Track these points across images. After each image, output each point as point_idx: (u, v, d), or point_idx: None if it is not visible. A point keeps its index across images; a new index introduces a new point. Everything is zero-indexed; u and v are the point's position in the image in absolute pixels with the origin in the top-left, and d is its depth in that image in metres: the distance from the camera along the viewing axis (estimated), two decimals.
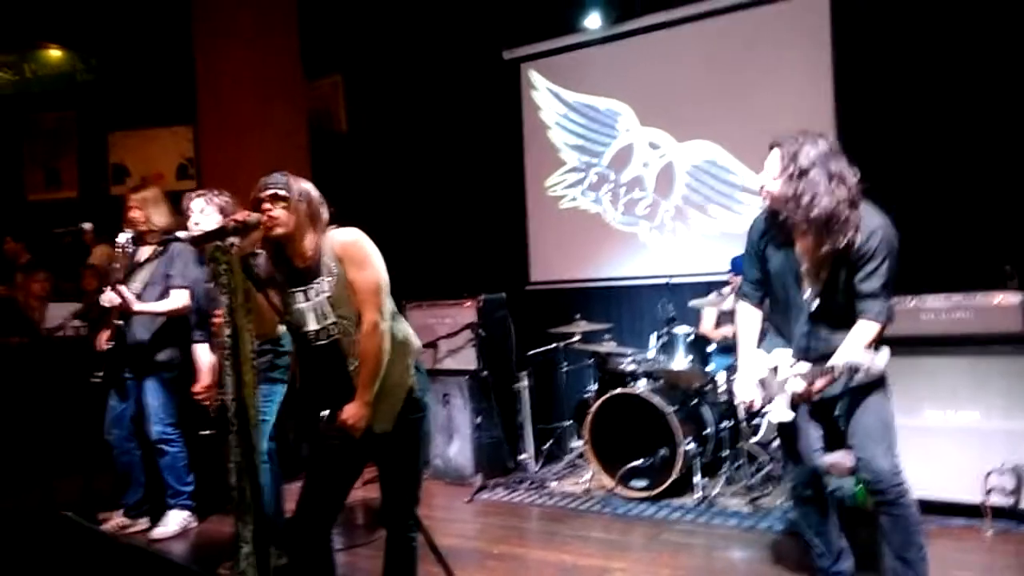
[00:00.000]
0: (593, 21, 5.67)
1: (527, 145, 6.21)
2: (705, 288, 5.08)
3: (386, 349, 2.39)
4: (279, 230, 2.35)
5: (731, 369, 4.49)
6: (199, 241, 2.25)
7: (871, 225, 2.38)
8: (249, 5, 5.71)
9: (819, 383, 2.45)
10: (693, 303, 4.76)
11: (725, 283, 4.90)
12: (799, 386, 2.48)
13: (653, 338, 4.63)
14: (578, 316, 5.01)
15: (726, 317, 4.66)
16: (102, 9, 6.15)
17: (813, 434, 2.65)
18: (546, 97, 6.12)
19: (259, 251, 2.41)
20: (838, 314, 2.48)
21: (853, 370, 2.33)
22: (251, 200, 2.38)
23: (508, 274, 6.01)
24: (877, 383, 2.50)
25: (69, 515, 2.27)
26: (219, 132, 5.86)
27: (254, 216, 2.30)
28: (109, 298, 3.77)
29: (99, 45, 6.78)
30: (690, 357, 4.47)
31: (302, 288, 2.44)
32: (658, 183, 5.66)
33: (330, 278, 2.41)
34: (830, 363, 2.40)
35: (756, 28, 5.22)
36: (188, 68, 5.92)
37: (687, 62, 5.48)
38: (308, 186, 2.45)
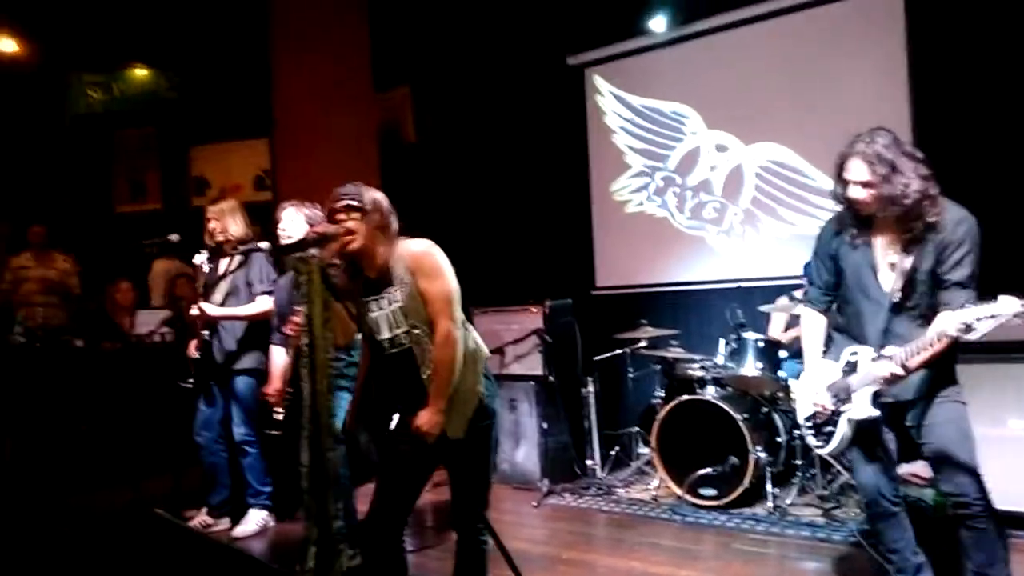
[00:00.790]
0: (658, 24, 5.64)
1: (592, 150, 6.22)
2: (776, 292, 4.98)
3: (459, 358, 2.44)
4: (354, 244, 2.41)
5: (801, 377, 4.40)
6: (282, 252, 2.36)
7: (956, 215, 2.38)
8: (323, 22, 5.90)
9: (916, 360, 2.32)
10: (764, 308, 4.68)
11: (797, 287, 4.80)
12: (889, 368, 2.34)
13: (722, 344, 4.56)
14: (644, 321, 4.99)
15: (796, 321, 4.56)
16: (185, 30, 6.45)
17: (887, 444, 2.58)
18: (611, 102, 6.12)
19: (337, 262, 2.49)
20: (918, 308, 2.44)
21: (967, 328, 2.18)
22: (326, 211, 2.47)
23: (574, 279, 6.02)
24: (952, 391, 2.44)
25: (160, 512, 2.39)
26: (293, 144, 6.07)
27: (332, 228, 2.38)
28: (192, 313, 3.95)
29: (181, 63, 7.11)
30: (761, 364, 4.38)
31: (375, 297, 2.50)
32: (726, 186, 5.58)
33: (402, 288, 2.45)
34: (938, 329, 2.28)
35: (826, 26, 5.10)
36: (264, 83, 6.16)
37: (754, 63, 5.40)
38: (379, 196, 2.51)
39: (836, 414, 2.56)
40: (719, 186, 5.61)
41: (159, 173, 7.83)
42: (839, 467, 4.17)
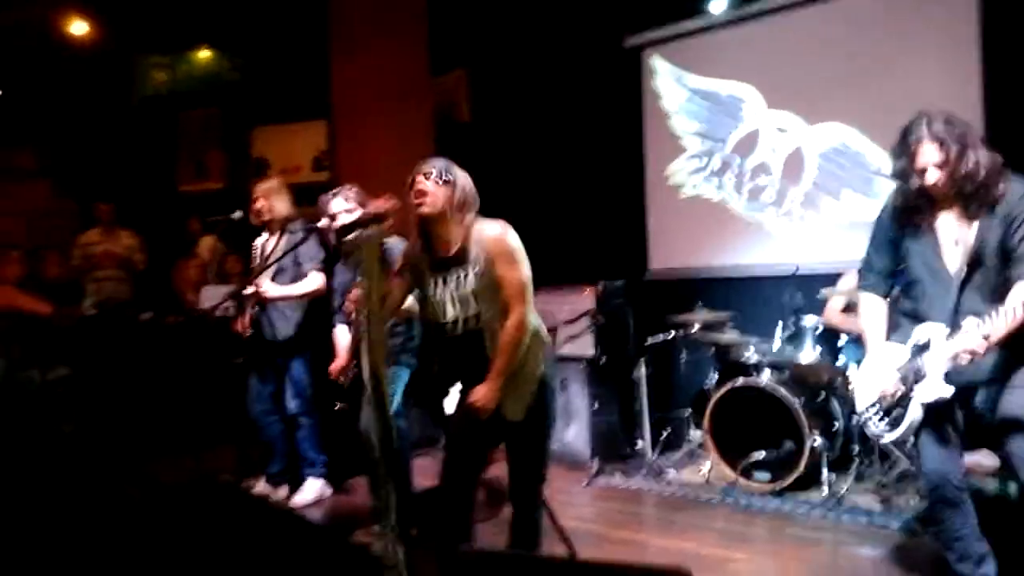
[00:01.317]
0: (717, 5, 5.54)
1: (647, 132, 6.15)
2: (837, 278, 4.88)
3: (526, 343, 2.50)
4: (426, 208, 2.44)
5: (862, 361, 4.30)
6: (341, 234, 2.43)
7: (1019, 187, 2.35)
8: (381, 6, 5.97)
9: (998, 331, 2.21)
10: (826, 291, 4.58)
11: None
12: (973, 341, 2.24)
13: (779, 329, 4.49)
14: (699, 304, 4.94)
15: (853, 305, 4.46)
16: (247, 13, 6.58)
17: (954, 430, 2.52)
18: (668, 83, 6.04)
19: (398, 238, 2.54)
20: (988, 284, 2.39)
21: None
22: (408, 180, 2.51)
23: (628, 262, 5.99)
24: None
25: (227, 478, 2.49)
26: (351, 126, 6.17)
27: (387, 204, 2.43)
28: (247, 292, 4.06)
29: (244, 46, 7.26)
30: (819, 349, 4.31)
31: (443, 275, 2.52)
32: (786, 168, 5.47)
33: (476, 270, 2.48)
34: (1010, 301, 2.20)
35: (892, 5, 4.94)
36: (323, 66, 6.26)
37: (817, 42, 5.26)
38: (463, 175, 2.56)
39: (906, 397, 2.49)
40: (779, 168, 5.50)
41: (222, 153, 8.03)
42: (899, 453, 4.09)
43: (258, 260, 4.17)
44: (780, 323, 4.52)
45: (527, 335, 2.50)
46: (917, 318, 2.55)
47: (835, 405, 4.28)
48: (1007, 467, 3.48)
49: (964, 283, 2.41)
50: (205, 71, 7.58)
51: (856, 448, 4.14)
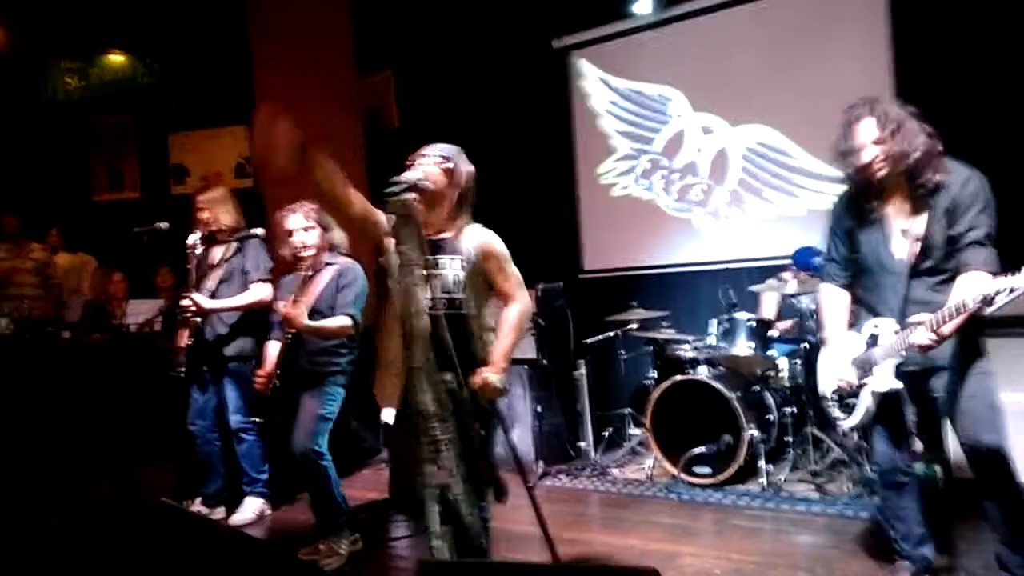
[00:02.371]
0: (642, 6, 5.64)
1: (577, 134, 6.22)
2: (762, 273, 5.04)
3: (527, 328, 2.58)
4: (423, 181, 2.37)
5: (792, 355, 4.47)
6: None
7: (963, 174, 2.42)
8: (304, 6, 5.82)
9: (948, 327, 2.27)
10: (754, 288, 4.74)
11: (783, 267, 4.86)
12: (922, 337, 2.31)
13: (713, 324, 4.61)
14: (634, 303, 5.03)
15: (788, 301, 4.63)
16: (163, 15, 6.32)
17: (907, 416, 2.62)
18: (595, 85, 6.12)
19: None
20: (936, 272, 2.46)
21: (987, 300, 2.17)
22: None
23: (562, 263, 6.03)
24: (979, 363, 2.46)
25: (167, 501, 2.38)
26: None
27: (414, 174, 2.38)
28: (184, 304, 3.91)
29: (159, 50, 6.98)
30: (752, 343, 4.45)
31: (434, 257, 2.53)
32: (712, 168, 5.62)
33: (466, 263, 2.56)
34: (958, 300, 2.24)
35: (810, 7, 5.14)
36: (245, 68, 6.07)
37: (738, 44, 5.42)
38: (466, 167, 2.63)
39: (859, 387, 2.59)
40: (705, 168, 5.65)
41: (137, 161, 7.70)
42: (831, 443, 4.26)
43: (194, 271, 4.01)
44: (714, 320, 4.64)
45: (527, 322, 2.61)
46: (870, 309, 2.63)
47: (768, 397, 4.42)
48: (933, 450, 3.68)
49: (912, 274, 2.48)
50: (119, 76, 7.24)
51: (790, 438, 4.30)
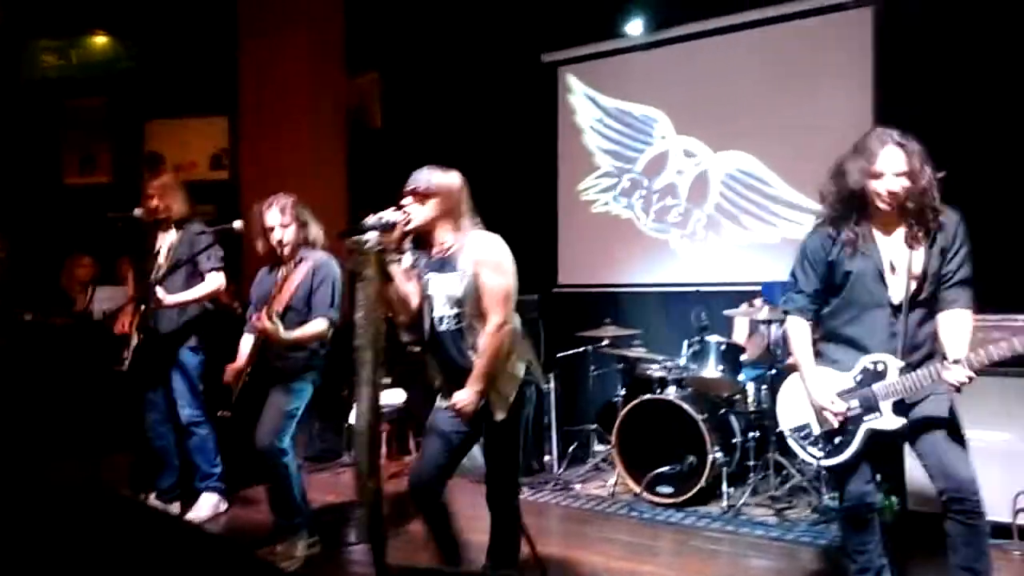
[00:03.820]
0: (634, 27, 5.70)
1: (561, 148, 6.25)
2: (735, 298, 5.09)
3: (506, 349, 2.59)
4: (410, 224, 2.55)
5: (760, 380, 4.51)
6: (342, 236, 2.40)
7: (954, 216, 2.44)
8: (295, 1, 5.79)
9: (985, 360, 2.27)
10: (728, 312, 4.77)
11: (755, 294, 4.92)
12: (960, 375, 2.27)
13: (684, 345, 4.64)
14: (607, 320, 5.04)
15: (758, 326, 4.67)
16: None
17: (876, 454, 2.59)
18: (582, 101, 6.16)
19: (403, 247, 2.56)
20: (925, 306, 2.46)
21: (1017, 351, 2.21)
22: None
23: (537, 276, 6.02)
24: (950, 404, 2.46)
25: (122, 492, 2.32)
26: (258, 124, 5.95)
27: (397, 215, 2.49)
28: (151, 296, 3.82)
29: (142, 34, 6.87)
30: (721, 367, 4.48)
31: (437, 273, 2.64)
32: (691, 191, 5.68)
33: (464, 277, 2.59)
34: (1005, 344, 2.25)
35: (797, 41, 5.24)
36: (228, 59, 6.01)
37: (726, 72, 5.50)
38: (449, 182, 2.66)
39: (852, 424, 2.50)
40: (685, 191, 5.71)
41: (110, 146, 7.55)
42: (791, 469, 4.30)
43: (154, 260, 3.94)
44: (685, 341, 4.66)
45: (506, 343, 2.59)
46: (853, 344, 2.55)
47: (734, 420, 4.46)
48: (892, 481, 3.72)
49: (907, 305, 2.43)
50: (99, 57, 7.11)
51: (752, 462, 4.33)
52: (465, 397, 2.57)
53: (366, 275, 2.19)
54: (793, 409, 2.71)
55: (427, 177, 2.62)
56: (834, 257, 2.52)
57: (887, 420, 2.46)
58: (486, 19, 6.20)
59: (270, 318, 3.21)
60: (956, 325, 2.40)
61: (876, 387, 2.47)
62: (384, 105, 6.98)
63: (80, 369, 4.38)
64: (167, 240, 4.02)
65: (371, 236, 2.28)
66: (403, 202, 2.58)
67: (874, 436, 2.50)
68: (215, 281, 3.95)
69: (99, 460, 3.78)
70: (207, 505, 4.08)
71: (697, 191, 5.65)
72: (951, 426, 2.45)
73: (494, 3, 6.13)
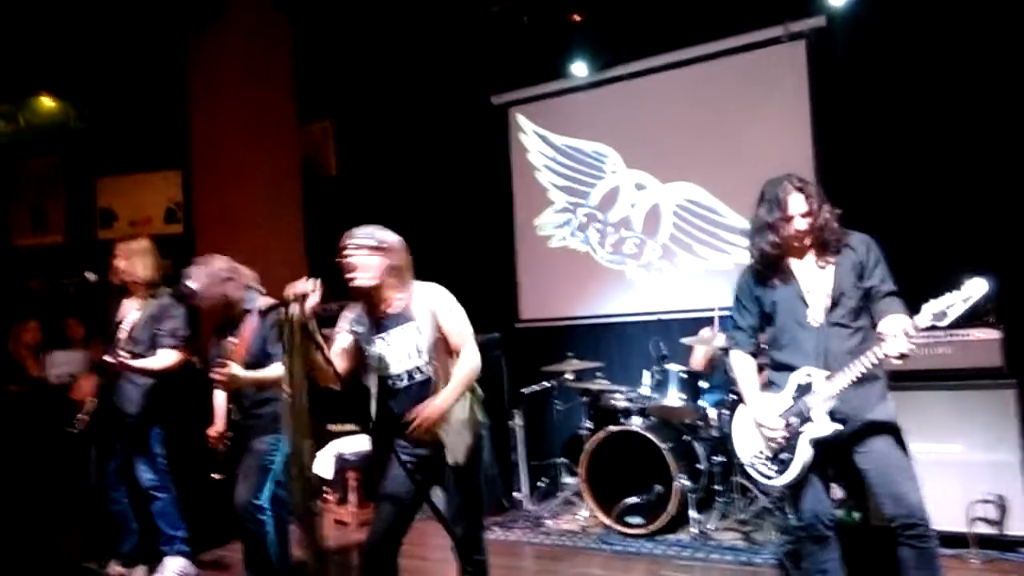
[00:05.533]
0: (579, 68, 5.85)
1: (516, 186, 6.35)
2: (693, 324, 5.20)
3: (477, 374, 2.67)
4: (359, 280, 2.56)
5: (720, 405, 4.59)
6: (265, 313, 2.45)
7: (858, 237, 2.69)
8: (245, 53, 5.83)
9: (919, 324, 2.37)
10: (686, 340, 4.86)
11: (712, 320, 5.03)
12: (901, 345, 2.37)
13: (646, 375, 4.72)
14: (570, 354, 5.10)
15: (717, 354, 4.76)
16: (97, 57, 6.22)
17: (828, 469, 2.69)
18: (534, 140, 6.29)
19: (334, 309, 2.58)
20: (849, 325, 2.63)
21: (942, 315, 2.34)
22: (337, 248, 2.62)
23: (499, 313, 6.08)
24: (888, 409, 2.61)
25: (90, 567, 2.29)
26: (211, 176, 5.93)
27: (310, 283, 2.45)
28: (106, 360, 3.78)
29: (93, 93, 6.85)
30: (683, 394, 4.56)
31: (386, 332, 2.63)
32: (645, 223, 5.81)
33: (421, 324, 2.61)
34: (901, 321, 2.43)
35: (736, 75, 5.43)
36: (180, 113, 6.00)
37: (670, 107, 5.68)
38: (395, 239, 2.67)
39: (793, 439, 2.62)
40: (639, 223, 5.84)
41: (63, 204, 7.47)
42: (756, 492, 4.37)
43: (117, 326, 3.90)
44: (646, 371, 4.74)
45: (477, 371, 2.68)
46: (788, 366, 2.70)
47: (698, 446, 4.52)
48: (854, 497, 3.81)
49: (831, 323, 2.63)
50: (49, 119, 7.05)
51: (718, 487, 4.39)
52: (431, 408, 2.57)
53: (293, 345, 2.25)
54: (746, 439, 2.82)
55: (372, 233, 2.64)
56: (760, 292, 2.76)
57: (820, 426, 2.57)
58: (436, 63, 6.32)
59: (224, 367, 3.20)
60: (889, 326, 2.51)
61: (807, 397, 2.61)
62: (338, 152, 7.03)
63: (38, 437, 4.29)
64: (131, 307, 3.98)
65: (294, 308, 2.31)
66: (346, 253, 2.58)
67: (817, 447, 2.60)
68: (166, 359, 3.90)
69: (59, 529, 3.70)
70: (173, 568, 3.99)
71: (650, 222, 5.78)
72: (902, 454, 2.55)
73: (443, 48, 6.25)
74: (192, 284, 3.36)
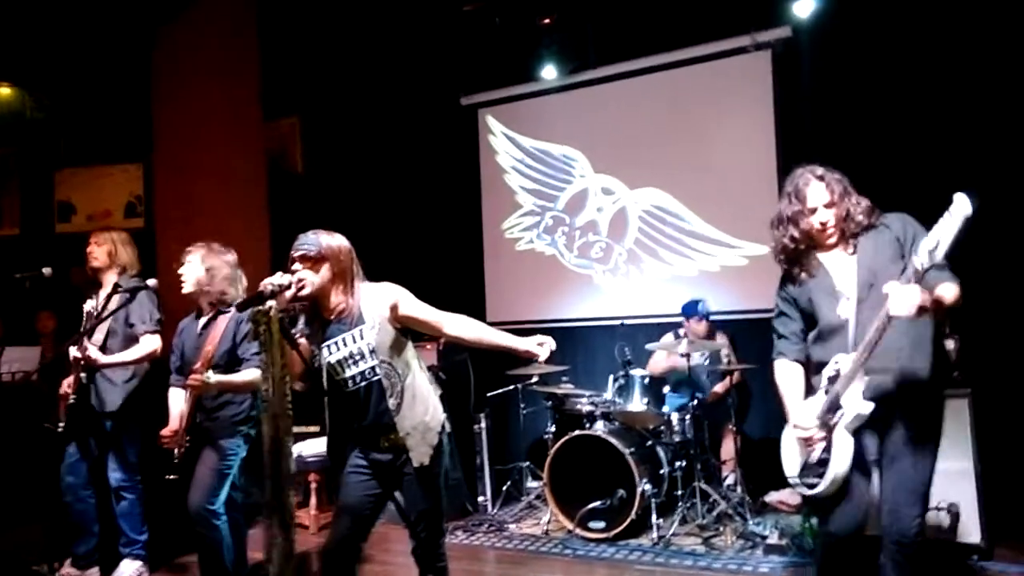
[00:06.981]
0: (549, 71, 5.86)
1: (485, 188, 6.35)
2: (657, 329, 5.26)
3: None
4: (306, 290, 2.50)
5: (683, 410, 4.63)
6: (242, 307, 2.38)
7: (894, 215, 2.53)
8: (210, 46, 5.74)
9: (919, 269, 2.13)
10: (651, 346, 4.90)
11: (678, 324, 5.09)
12: (902, 299, 2.15)
13: (611, 380, 4.74)
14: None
15: (680, 359, 4.81)
16: (57, 46, 6.07)
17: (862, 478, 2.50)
18: (503, 142, 6.28)
19: (296, 309, 2.53)
20: (877, 310, 2.37)
21: (936, 244, 2.08)
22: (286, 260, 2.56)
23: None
24: (933, 432, 2.48)
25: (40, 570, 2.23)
26: (174, 170, 5.82)
27: (286, 278, 2.43)
28: (75, 355, 3.70)
29: (53, 84, 6.68)
30: (646, 399, 4.59)
31: (335, 338, 2.58)
32: (611, 228, 5.84)
33: (374, 325, 2.57)
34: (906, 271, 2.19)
35: (703, 83, 5.49)
36: (143, 106, 5.88)
37: (638, 113, 5.72)
38: (337, 244, 2.61)
39: (829, 436, 2.46)
40: (605, 227, 5.87)
41: (18, 196, 7.27)
42: (717, 497, 4.42)
43: (86, 320, 3.81)
44: (611, 375, 4.77)
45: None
46: (821, 365, 2.54)
47: (660, 451, 4.56)
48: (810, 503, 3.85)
49: (862, 314, 2.43)
50: (5, 110, 6.86)
51: (679, 492, 4.43)
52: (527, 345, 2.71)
53: (271, 341, 2.20)
54: (790, 454, 2.65)
55: (316, 241, 2.57)
56: (795, 293, 2.62)
57: (853, 408, 2.38)
58: (406, 62, 6.28)
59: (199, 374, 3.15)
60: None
61: (836, 385, 2.44)
62: (305, 149, 6.95)
63: None
64: (101, 296, 3.89)
65: (271, 303, 2.26)
66: (294, 267, 2.52)
67: (857, 437, 2.43)
68: (150, 344, 3.83)
69: (12, 529, 3.60)
70: (129, 571, 3.92)
71: (617, 227, 5.82)
72: (918, 471, 2.44)
73: (413, 46, 6.21)
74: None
